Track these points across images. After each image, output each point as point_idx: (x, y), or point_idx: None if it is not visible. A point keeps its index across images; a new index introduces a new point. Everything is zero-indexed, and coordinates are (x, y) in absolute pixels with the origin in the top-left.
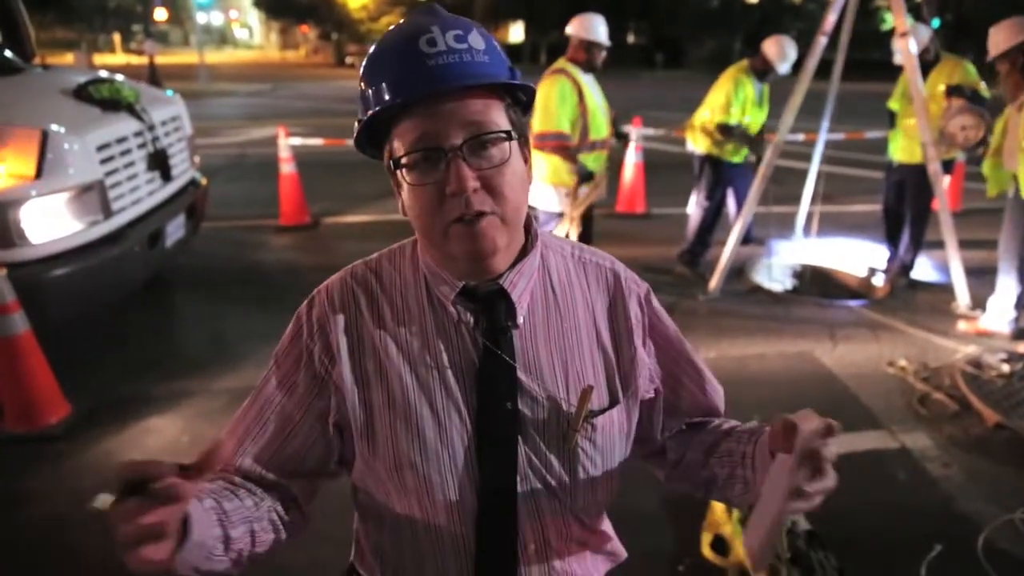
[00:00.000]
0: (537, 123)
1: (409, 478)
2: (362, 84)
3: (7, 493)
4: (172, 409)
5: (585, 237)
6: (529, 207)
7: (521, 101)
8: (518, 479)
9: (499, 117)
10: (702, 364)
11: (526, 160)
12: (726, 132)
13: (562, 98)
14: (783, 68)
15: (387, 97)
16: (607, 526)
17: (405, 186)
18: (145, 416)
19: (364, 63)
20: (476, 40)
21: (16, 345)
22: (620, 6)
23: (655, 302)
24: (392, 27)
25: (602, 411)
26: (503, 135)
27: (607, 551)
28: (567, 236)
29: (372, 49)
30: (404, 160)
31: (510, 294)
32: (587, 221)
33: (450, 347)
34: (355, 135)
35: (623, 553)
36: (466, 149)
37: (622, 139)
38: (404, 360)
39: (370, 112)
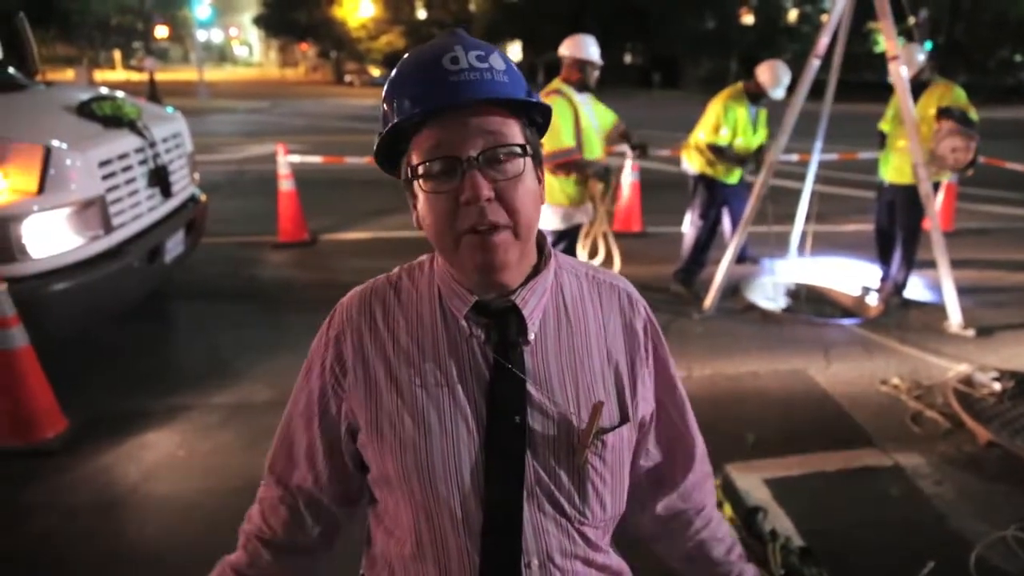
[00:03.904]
0: (545, 145)
1: (416, 488)
2: (384, 103)
3: (3, 508)
4: (169, 424)
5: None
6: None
7: (536, 123)
8: (525, 494)
9: (516, 134)
10: (686, 398)
11: (540, 180)
12: (717, 153)
13: (563, 117)
14: (776, 93)
15: (409, 109)
16: (611, 543)
17: (421, 195)
18: (142, 431)
19: (387, 83)
20: (497, 61)
21: (15, 359)
22: (617, 26)
23: (659, 327)
24: (414, 49)
25: (612, 428)
26: (519, 150)
27: (611, 568)
28: (599, 237)
29: (395, 70)
30: (420, 169)
31: (522, 310)
32: (575, 240)
33: (461, 361)
34: (375, 148)
35: (627, 570)
36: (482, 159)
37: (640, 149)
38: (415, 371)
39: (391, 124)
